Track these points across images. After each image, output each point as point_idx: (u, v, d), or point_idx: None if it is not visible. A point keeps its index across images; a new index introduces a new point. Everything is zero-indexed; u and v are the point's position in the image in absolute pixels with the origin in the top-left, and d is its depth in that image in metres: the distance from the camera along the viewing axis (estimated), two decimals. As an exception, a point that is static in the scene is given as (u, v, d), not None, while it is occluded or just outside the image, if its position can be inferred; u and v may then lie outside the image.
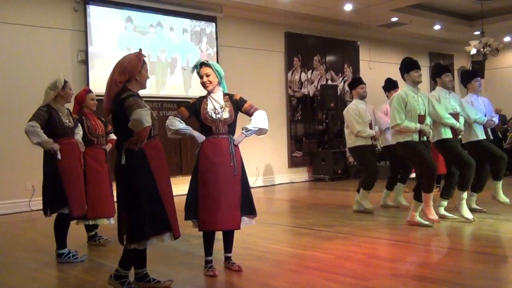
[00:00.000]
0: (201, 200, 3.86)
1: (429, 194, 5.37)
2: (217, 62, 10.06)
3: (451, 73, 5.94)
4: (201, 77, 3.98)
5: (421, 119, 5.36)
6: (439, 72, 5.94)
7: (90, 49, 8.47)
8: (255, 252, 4.62)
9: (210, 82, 3.97)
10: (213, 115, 3.92)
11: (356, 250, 4.51)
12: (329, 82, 12.29)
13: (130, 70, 3.43)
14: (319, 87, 11.98)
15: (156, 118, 3.55)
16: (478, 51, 12.04)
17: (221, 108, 3.95)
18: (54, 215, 4.55)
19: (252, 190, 4.11)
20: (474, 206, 6.20)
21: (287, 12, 10.81)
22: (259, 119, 4.03)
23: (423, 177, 5.32)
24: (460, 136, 5.89)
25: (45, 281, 4.00)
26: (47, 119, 4.43)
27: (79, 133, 4.86)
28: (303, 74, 11.76)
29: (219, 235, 4.09)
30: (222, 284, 3.75)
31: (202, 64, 3.99)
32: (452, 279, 3.59)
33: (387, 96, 7.21)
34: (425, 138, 5.44)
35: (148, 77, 3.58)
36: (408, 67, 5.44)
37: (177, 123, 3.93)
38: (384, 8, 11.08)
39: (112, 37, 8.73)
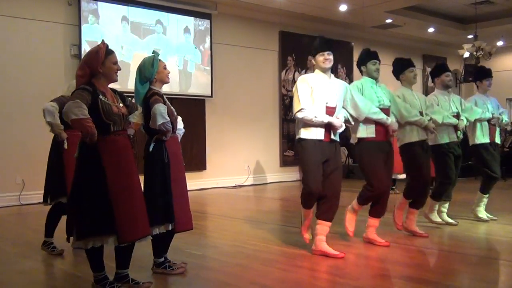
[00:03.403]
0: (175, 199, 3.71)
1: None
2: (211, 59, 10.06)
3: (379, 61, 4.79)
4: (165, 68, 3.85)
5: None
6: (365, 59, 4.81)
7: (83, 43, 8.42)
8: (245, 250, 4.62)
9: None
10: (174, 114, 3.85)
11: (346, 250, 4.51)
12: (323, 82, 12.28)
13: (90, 63, 3.26)
14: (312, 87, 11.97)
15: (120, 114, 3.33)
16: (471, 54, 12.09)
17: None
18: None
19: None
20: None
21: (282, 11, 10.81)
22: None
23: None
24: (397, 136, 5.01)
25: (33, 276, 3.97)
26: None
27: None
28: (296, 73, 11.76)
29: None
30: (211, 282, 3.74)
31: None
32: (441, 280, 3.61)
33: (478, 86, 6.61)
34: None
35: (117, 69, 3.35)
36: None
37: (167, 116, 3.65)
38: (378, 9, 11.11)
39: (106, 31, 8.68)
